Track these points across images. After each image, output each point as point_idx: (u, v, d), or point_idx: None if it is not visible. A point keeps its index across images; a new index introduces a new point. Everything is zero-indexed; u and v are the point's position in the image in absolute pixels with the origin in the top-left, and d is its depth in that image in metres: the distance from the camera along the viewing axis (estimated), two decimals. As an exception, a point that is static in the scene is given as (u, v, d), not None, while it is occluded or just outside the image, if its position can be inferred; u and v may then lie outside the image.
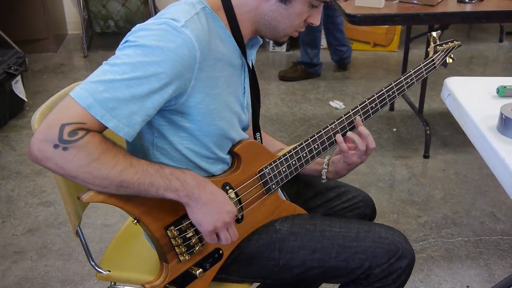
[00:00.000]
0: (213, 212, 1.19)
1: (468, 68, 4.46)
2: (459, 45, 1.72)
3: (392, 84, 1.50)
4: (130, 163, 1.10)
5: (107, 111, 1.07)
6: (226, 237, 1.23)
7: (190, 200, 1.17)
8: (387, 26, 4.59)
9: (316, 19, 1.31)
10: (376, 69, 4.44)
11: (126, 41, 1.14)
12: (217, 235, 1.23)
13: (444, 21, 2.98)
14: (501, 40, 5.08)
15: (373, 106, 1.47)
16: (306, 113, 3.65)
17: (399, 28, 4.74)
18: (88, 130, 1.06)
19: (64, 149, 1.03)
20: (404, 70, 3.50)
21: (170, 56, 1.10)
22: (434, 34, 1.66)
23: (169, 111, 1.20)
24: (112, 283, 1.51)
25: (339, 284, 1.45)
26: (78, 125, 1.05)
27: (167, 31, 1.12)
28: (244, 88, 1.36)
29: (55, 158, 1.04)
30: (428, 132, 3.11)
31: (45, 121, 1.06)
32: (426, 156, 3.12)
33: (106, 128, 1.09)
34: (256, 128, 1.44)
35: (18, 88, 3.51)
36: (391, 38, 4.80)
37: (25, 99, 3.59)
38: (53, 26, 4.57)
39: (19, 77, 3.52)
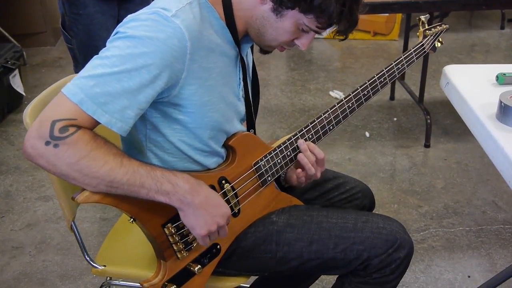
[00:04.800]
0: (206, 216, 1.17)
1: (470, 55, 4.43)
2: (447, 29, 1.72)
3: (383, 70, 1.50)
4: (120, 162, 1.08)
5: (98, 106, 1.05)
6: (215, 237, 1.23)
7: (182, 204, 1.15)
8: (386, 14, 4.56)
9: (303, 44, 1.26)
10: (376, 58, 4.41)
11: (116, 33, 1.12)
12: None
13: (444, 8, 2.95)
14: (502, 27, 5.04)
15: (366, 93, 1.46)
16: (306, 104, 3.63)
17: (399, 16, 4.71)
18: (79, 127, 1.05)
19: (55, 146, 1.03)
20: (404, 59, 3.47)
21: (159, 47, 1.09)
22: (422, 18, 1.66)
23: (162, 103, 1.18)
24: (108, 278, 1.50)
25: (337, 276, 1.44)
26: (69, 121, 1.04)
27: (156, 21, 1.10)
28: (240, 79, 1.34)
29: (46, 155, 1.03)
30: (429, 121, 3.09)
31: (38, 118, 1.05)
32: (427, 146, 3.10)
33: (98, 123, 1.08)
34: (251, 126, 1.41)
35: (16, 82, 3.50)
36: (391, 27, 4.76)
37: (23, 93, 3.58)
38: (51, 20, 4.53)
39: (17, 71, 3.51)
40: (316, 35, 1.27)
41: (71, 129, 1.04)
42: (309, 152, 1.37)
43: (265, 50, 1.32)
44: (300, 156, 1.37)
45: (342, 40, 1.27)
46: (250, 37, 1.28)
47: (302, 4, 1.15)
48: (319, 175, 1.40)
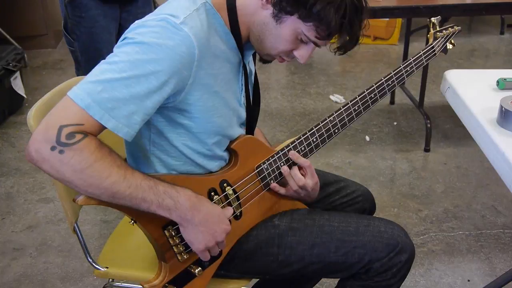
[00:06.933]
0: (205, 233, 1.18)
1: (469, 60, 4.44)
2: (459, 31, 1.70)
3: (391, 73, 1.49)
4: (123, 175, 1.08)
5: (106, 112, 1.05)
6: (215, 252, 1.24)
7: (182, 220, 1.16)
8: (387, 19, 4.57)
9: (302, 56, 1.25)
10: (376, 63, 4.42)
11: (124, 38, 1.13)
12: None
13: (444, 13, 2.95)
14: (502, 33, 5.05)
15: (372, 96, 1.46)
16: (306, 107, 3.64)
17: (399, 21, 4.72)
18: (85, 134, 1.04)
19: (61, 152, 1.02)
20: (404, 63, 3.48)
21: (168, 54, 1.09)
22: (433, 20, 1.63)
23: (167, 108, 1.19)
24: (110, 279, 1.50)
25: (339, 279, 1.45)
26: (77, 127, 1.04)
27: (165, 28, 1.10)
28: (242, 85, 1.34)
29: (51, 160, 1.03)
30: (429, 125, 3.09)
31: (44, 121, 1.05)
32: (426, 150, 3.11)
33: (105, 128, 1.08)
34: (250, 133, 1.42)
35: (17, 84, 3.50)
36: (391, 31, 4.77)
37: (24, 96, 3.58)
38: (52, 22, 4.54)
39: (18, 74, 3.51)
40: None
41: (78, 136, 1.03)
42: (290, 177, 1.38)
43: (264, 59, 1.31)
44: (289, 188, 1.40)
45: (341, 54, 1.26)
46: (251, 43, 1.28)
47: (301, 10, 1.15)
48: (309, 181, 1.40)
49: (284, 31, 1.20)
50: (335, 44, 1.23)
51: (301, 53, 1.25)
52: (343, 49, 1.23)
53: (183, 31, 1.11)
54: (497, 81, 1.73)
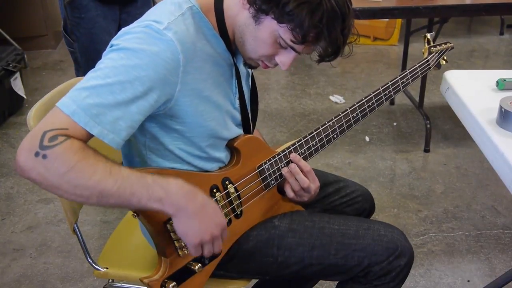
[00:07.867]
0: (200, 224, 1.14)
1: (469, 61, 4.44)
2: (452, 47, 1.75)
3: (388, 83, 1.51)
4: (109, 172, 1.04)
5: (91, 118, 1.04)
6: (209, 251, 1.19)
7: (176, 210, 1.11)
8: (386, 19, 4.57)
9: (283, 62, 1.21)
10: (376, 63, 4.42)
11: (111, 46, 1.13)
12: (201, 247, 1.18)
13: (443, 14, 2.96)
14: (501, 33, 5.05)
15: (370, 104, 1.48)
16: (306, 108, 3.64)
17: (399, 21, 4.72)
18: (68, 136, 1.03)
19: (44, 156, 1.00)
20: (404, 64, 3.48)
21: (153, 59, 1.09)
22: (428, 35, 1.70)
23: (159, 114, 1.19)
24: (110, 280, 1.50)
25: (338, 282, 1.45)
26: (60, 131, 1.02)
27: (149, 34, 1.10)
28: (235, 87, 1.33)
29: (37, 167, 1.01)
30: (429, 126, 3.10)
31: (31, 131, 1.04)
32: (426, 150, 3.11)
33: (91, 136, 1.06)
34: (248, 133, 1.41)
35: (17, 85, 3.51)
36: (391, 32, 4.77)
37: (24, 96, 3.58)
38: (52, 23, 4.54)
39: (18, 74, 3.52)
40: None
41: (60, 138, 1.02)
42: (293, 179, 1.37)
43: (248, 64, 1.28)
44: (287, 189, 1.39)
45: (322, 61, 1.20)
46: (237, 46, 1.25)
47: (274, 9, 1.11)
48: (312, 185, 1.40)
49: (262, 33, 1.16)
50: (317, 54, 1.18)
51: (282, 59, 1.21)
52: (323, 58, 1.18)
53: (166, 37, 1.10)
54: (497, 82, 1.73)
